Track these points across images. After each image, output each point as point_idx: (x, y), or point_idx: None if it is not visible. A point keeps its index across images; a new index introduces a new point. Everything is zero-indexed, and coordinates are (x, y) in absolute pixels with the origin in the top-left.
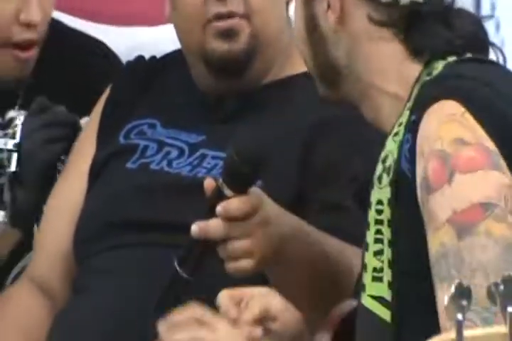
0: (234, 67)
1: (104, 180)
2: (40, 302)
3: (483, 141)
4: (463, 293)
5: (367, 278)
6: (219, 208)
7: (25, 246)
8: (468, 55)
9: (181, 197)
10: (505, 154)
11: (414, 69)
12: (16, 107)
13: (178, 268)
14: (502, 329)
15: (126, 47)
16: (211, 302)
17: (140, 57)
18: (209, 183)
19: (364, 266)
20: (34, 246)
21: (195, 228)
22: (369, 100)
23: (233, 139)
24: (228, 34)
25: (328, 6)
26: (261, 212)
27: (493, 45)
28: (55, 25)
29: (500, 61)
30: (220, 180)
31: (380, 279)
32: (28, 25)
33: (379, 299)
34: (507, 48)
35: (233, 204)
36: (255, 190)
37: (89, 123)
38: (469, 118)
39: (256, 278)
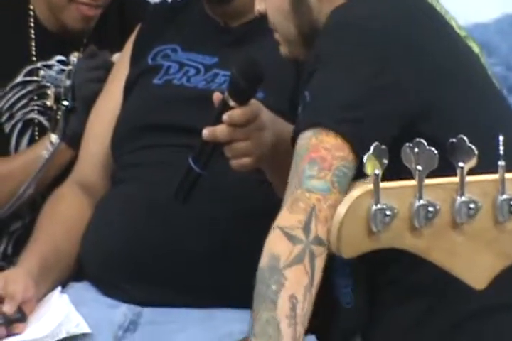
0: None
1: (135, 93)
2: (82, 199)
3: None
4: (380, 153)
5: None
6: (224, 116)
7: None
8: None
9: (197, 106)
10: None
11: None
12: (81, 50)
13: (192, 164)
14: (412, 182)
15: None
16: (219, 193)
17: (164, 0)
18: (217, 96)
19: None
20: (79, 152)
21: (205, 132)
22: None
23: (237, 59)
24: None
25: None
26: (258, 119)
27: None
28: None
29: None
30: (226, 93)
31: None
32: None
33: None
34: None
35: (236, 112)
36: (254, 102)
37: (124, 51)
38: None
39: (254, 172)
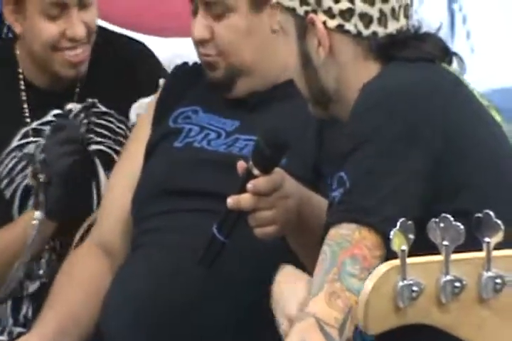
0: (219, 87)
1: (156, 156)
2: (102, 261)
3: None
4: (407, 228)
5: None
6: (249, 185)
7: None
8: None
9: (217, 170)
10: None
11: None
12: (74, 99)
13: (216, 233)
14: (438, 257)
15: (167, 56)
16: (243, 261)
17: (185, 63)
18: (241, 164)
19: None
20: (98, 214)
21: (230, 201)
22: None
23: (260, 129)
24: (209, 67)
25: (319, 43)
26: (283, 187)
27: (455, 54)
28: (102, 32)
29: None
30: (250, 162)
31: None
32: (74, 40)
33: None
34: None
35: (260, 181)
36: (278, 170)
37: (146, 113)
38: None
39: (278, 241)
